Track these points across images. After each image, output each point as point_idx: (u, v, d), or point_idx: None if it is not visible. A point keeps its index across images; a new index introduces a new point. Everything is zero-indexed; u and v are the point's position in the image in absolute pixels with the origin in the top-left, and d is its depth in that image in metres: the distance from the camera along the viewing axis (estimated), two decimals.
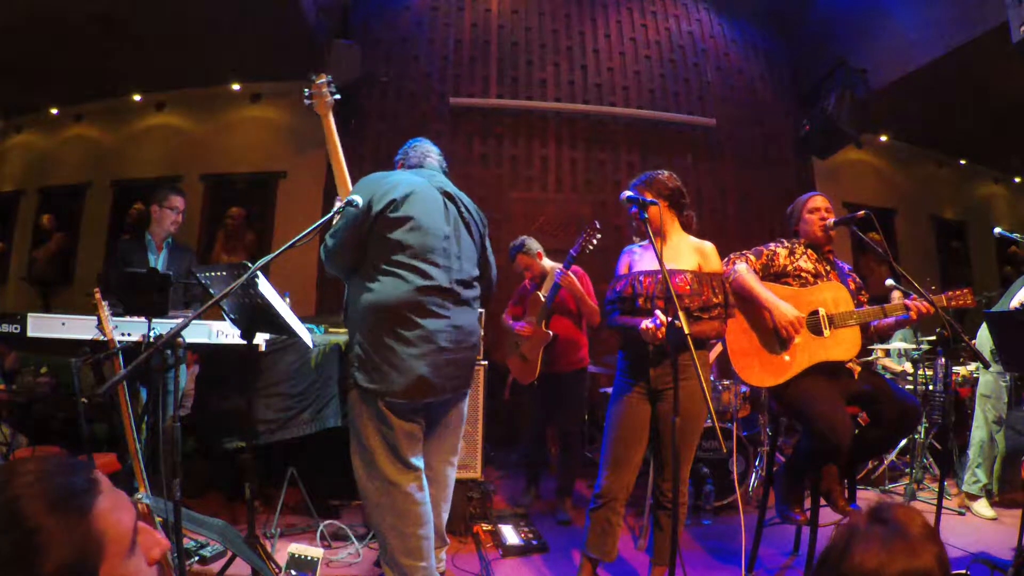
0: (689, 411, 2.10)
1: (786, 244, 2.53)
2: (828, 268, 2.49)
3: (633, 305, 2.17)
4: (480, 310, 2.30)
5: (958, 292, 2.28)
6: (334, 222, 1.99)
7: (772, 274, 2.46)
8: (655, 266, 2.17)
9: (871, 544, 0.82)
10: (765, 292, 2.34)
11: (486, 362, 3.24)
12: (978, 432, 3.42)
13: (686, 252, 2.25)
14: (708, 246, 2.26)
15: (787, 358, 2.33)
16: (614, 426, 2.24)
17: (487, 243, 2.31)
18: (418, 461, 2.03)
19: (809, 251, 2.51)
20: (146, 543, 0.75)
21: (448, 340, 2.00)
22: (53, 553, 0.64)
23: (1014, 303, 3.23)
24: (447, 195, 2.13)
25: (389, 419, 1.95)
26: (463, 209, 2.18)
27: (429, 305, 1.97)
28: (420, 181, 2.10)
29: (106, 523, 0.68)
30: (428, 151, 2.30)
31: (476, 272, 2.20)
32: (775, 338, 2.35)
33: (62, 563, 0.64)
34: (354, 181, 2.41)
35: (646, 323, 2.03)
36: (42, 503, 0.65)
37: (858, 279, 2.56)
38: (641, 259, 2.30)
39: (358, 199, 1.90)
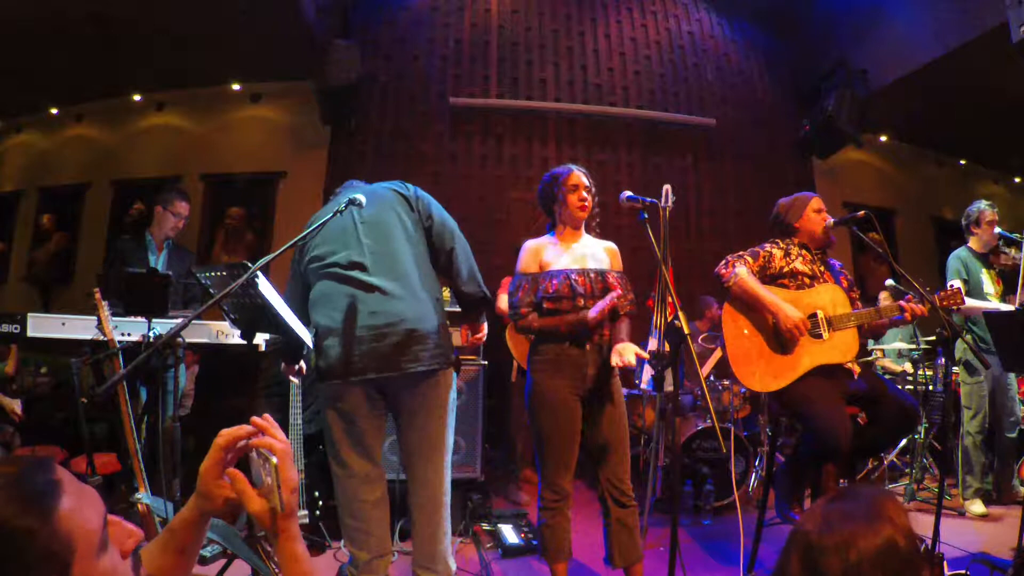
0: (622, 407, 2.21)
1: (780, 244, 2.51)
2: (822, 268, 2.49)
3: (573, 304, 2.14)
4: (423, 296, 2.01)
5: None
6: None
7: (768, 275, 2.44)
8: (577, 264, 2.21)
9: (835, 520, 0.82)
10: (768, 295, 2.33)
11: (485, 362, 3.24)
12: (963, 441, 3.45)
13: (598, 250, 2.28)
14: (614, 246, 2.33)
15: (789, 361, 2.33)
16: (553, 428, 2.15)
17: (443, 235, 2.09)
18: (363, 451, 2.00)
19: (804, 252, 2.49)
20: (118, 536, 0.73)
21: (365, 327, 1.94)
22: (20, 557, 0.62)
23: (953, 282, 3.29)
24: (351, 200, 1.96)
25: (334, 403, 1.99)
26: (368, 205, 2.03)
27: (344, 296, 1.98)
28: (323, 211, 2.15)
29: (72, 523, 0.66)
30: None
31: (395, 261, 2.03)
32: (777, 341, 2.35)
33: (30, 567, 0.62)
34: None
35: (592, 312, 2.06)
36: (8, 508, 0.63)
37: (849, 276, 2.57)
38: (556, 255, 2.25)
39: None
